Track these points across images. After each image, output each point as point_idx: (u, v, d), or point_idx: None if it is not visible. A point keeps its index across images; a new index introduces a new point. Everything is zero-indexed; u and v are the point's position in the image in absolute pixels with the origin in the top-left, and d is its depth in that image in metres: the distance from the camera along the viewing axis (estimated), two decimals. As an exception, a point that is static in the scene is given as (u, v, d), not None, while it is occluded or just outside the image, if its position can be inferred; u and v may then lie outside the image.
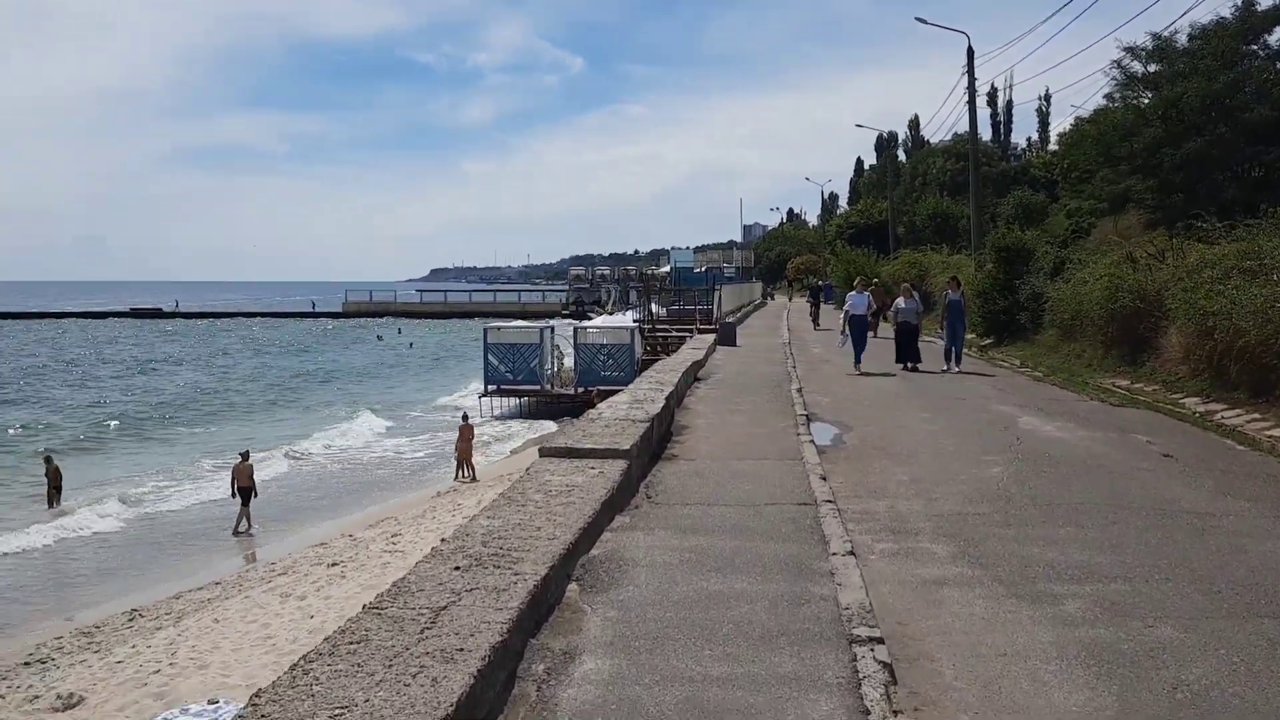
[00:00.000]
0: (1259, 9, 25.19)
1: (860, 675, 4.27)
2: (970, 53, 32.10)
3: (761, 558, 6.02)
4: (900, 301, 20.02)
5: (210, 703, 9.32)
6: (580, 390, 35.01)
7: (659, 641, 4.65)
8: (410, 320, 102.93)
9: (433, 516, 17.66)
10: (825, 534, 6.61)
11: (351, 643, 4.12)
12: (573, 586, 5.47)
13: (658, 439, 10.22)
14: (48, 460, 23.27)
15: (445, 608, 4.54)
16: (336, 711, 3.48)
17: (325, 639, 4.17)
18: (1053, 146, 62.70)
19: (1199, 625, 5.10)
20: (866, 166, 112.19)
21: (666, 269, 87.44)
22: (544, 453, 8.23)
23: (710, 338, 26.39)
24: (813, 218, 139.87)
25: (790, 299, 70.18)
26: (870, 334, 20.50)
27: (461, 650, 4.04)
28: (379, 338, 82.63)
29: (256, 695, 3.63)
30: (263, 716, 3.47)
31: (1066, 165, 42.67)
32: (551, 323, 43.86)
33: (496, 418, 35.64)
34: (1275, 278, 13.92)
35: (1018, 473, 9.15)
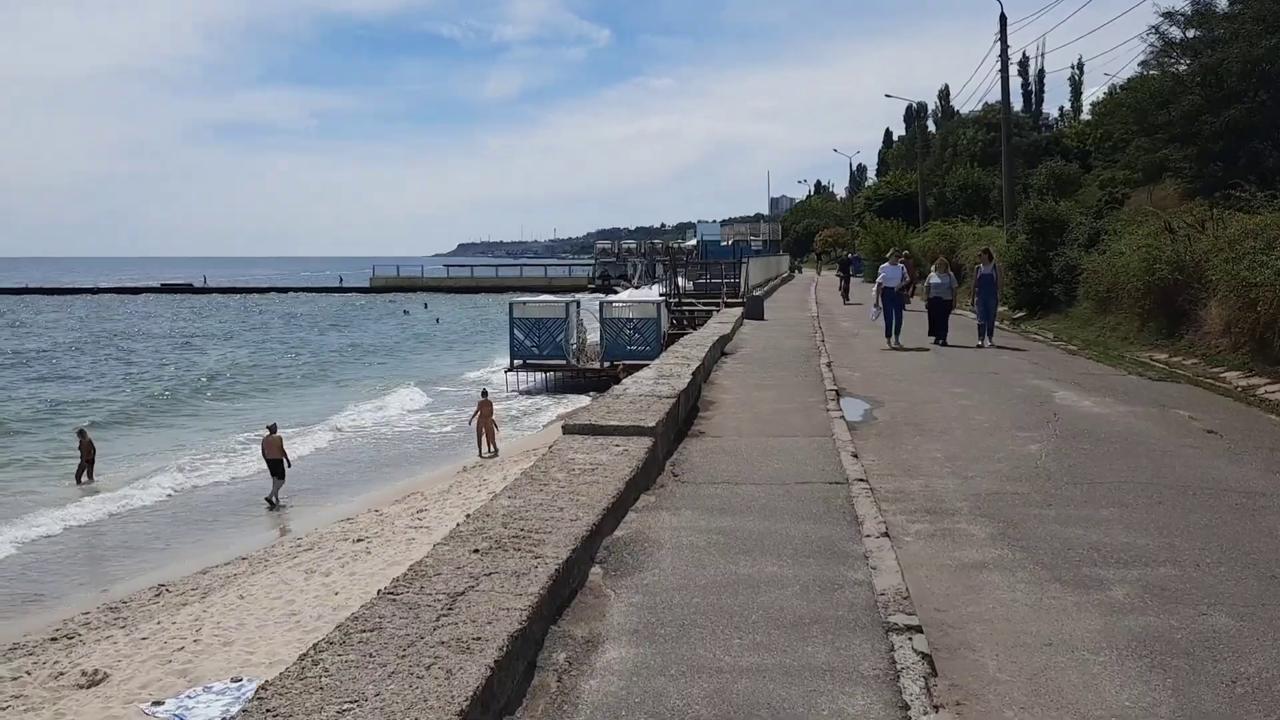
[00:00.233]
0: (1304, -30, 24.45)
1: (898, 667, 4.05)
2: (1003, 20, 31.45)
3: (792, 539, 5.80)
4: (934, 275, 19.60)
5: (233, 681, 9.25)
6: (606, 365, 34.86)
7: (685, 629, 4.45)
8: (437, 295, 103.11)
9: (458, 492, 17.56)
10: (858, 514, 6.38)
11: (364, 631, 3.94)
12: (596, 570, 5.28)
13: (684, 415, 10.01)
14: (81, 434, 23.41)
15: (463, 593, 4.36)
16: (345, 706, 3.30)
17: (337, 626, 4.00)
18: (1086, 116, 61.70)
19: (1256, 613, 4.84)
20: (895, 138, 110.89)
21: (693, 242, 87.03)
22: (567, 430, 8.03)
23: (737, 312, 26.10)
24: (841, 190, 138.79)
25: (819, 272, 69.60)
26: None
27: (478, 639, 3.85)
28: (405, 312, 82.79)
29: (263, 688, 3.46)
30: (269, 711, 3.30)
31: (1100, 135, 41.90)
32: (577, 297, 43.63)
33: (522, 392, 35.54)
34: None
35: (1056, 449, 8.87)
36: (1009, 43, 31.51)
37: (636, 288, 76.14)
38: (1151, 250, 18.57)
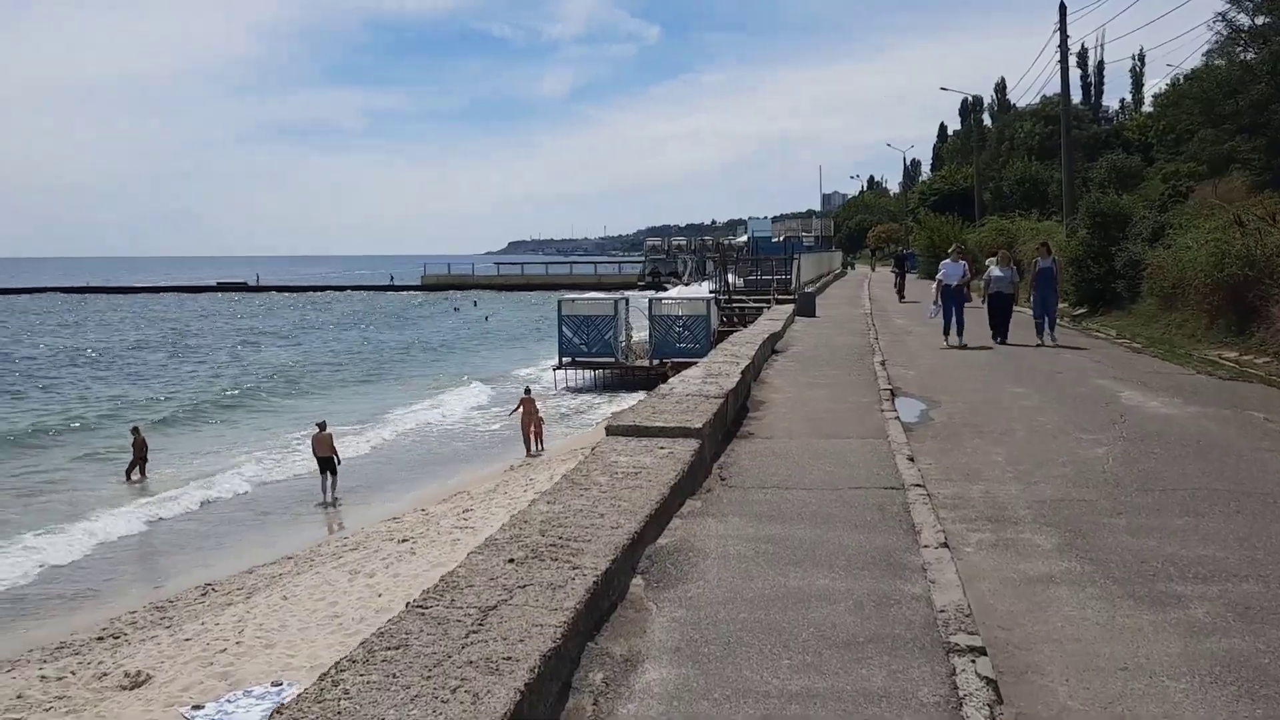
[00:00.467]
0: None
1: (960, 693, 3.74)
2: (1063, 9, 30.67)
3: (845, 549, 5.49)
4: (995, 270, 19.01)
5: (274, 685, 9.14)
6: (655, 362, 34.61)
7: (731, 647, 4.18)
8: (487, 293, 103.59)
9: (504, 492, 17.41)
10: (915, 523, 6.06)
11: (389, 648, 3.72)
12: (637, 580, 5.02)
13: (732, 415, 9.72)
14: (134, 431, 23.65)
15: (495, 607, 4.12)
16: (363, 734, 3.09)
17: (362, 643, 3.78)
18: (1147, 108, 60.27)
19: (1352, 636, 4.45)
20: (950, 132, 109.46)
21: (744, 239, 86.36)
22: (611, 431, 7.78)
23: (788, 308, 25.71)
24: (894, 185, 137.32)
25: (873, 268, 68.72)
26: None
27: (509, 659, 3.61)
28: (456, 309, 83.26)
29: (278, 711, 3.25)
30: (283, 737, 3.10)
31: (1163, 127, 40.84)
32: (626, 294, 43.43)
33: (570, 390, 35.42)
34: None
35: (1124, 453, 8.44)
36: (1068, 33, 30.75)
37: (686, 285, 75.82)
38: (1220, 244, 17.91)
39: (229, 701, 8.77)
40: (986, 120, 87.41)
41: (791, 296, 32.69)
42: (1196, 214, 22.75)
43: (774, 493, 6.83)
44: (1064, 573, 5.37)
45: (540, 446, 24.64)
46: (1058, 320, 19.41)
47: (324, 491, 20.82)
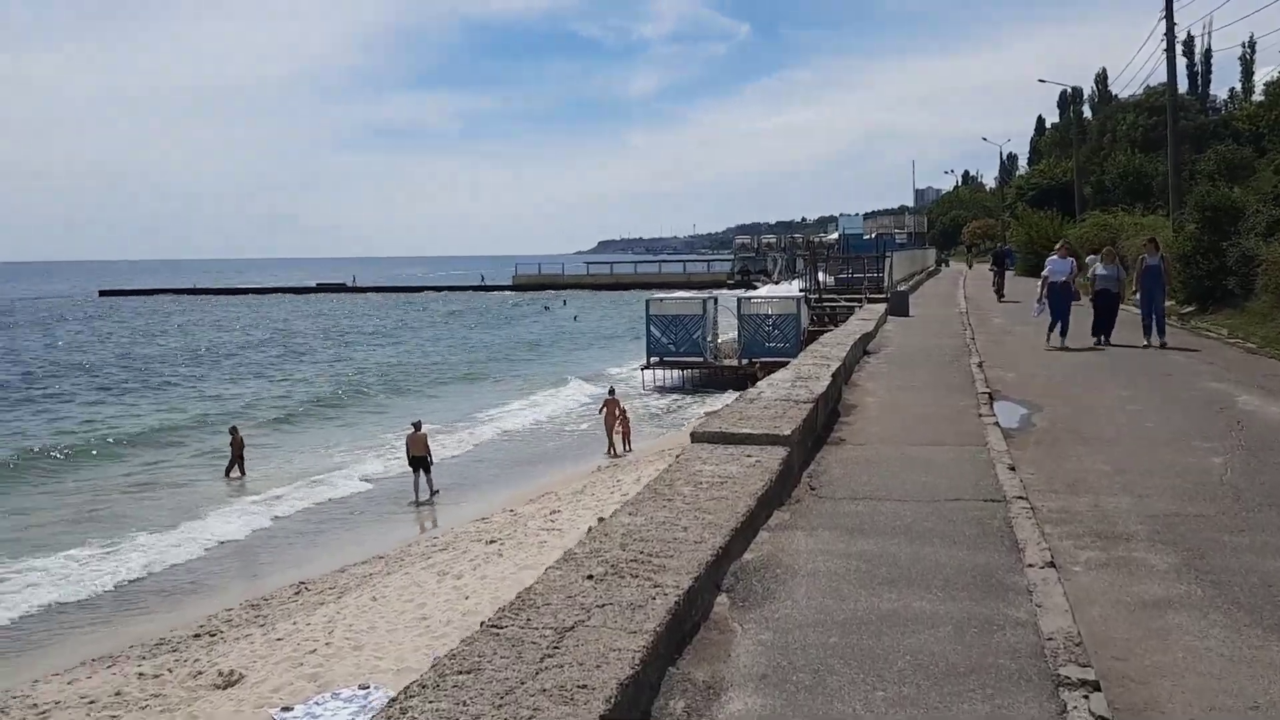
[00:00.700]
0: None
1: (1073, 734, 3.44)
2: (1170, -5, 29.41)
3: (943, 568, 5.19)
4: (1099, 267, 18.21)
5: (361, 688, 9.15)
6: (744, 362, 34.28)
7: (821, 676, 3.93)
8: (577, 292, 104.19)
9: (591, 493, 17.34)
10: (1018, 539, 5.71)
11: (460, 672, 3.56)
12: (722, 599, 4.80)
13: (822, 420, 9.42)
14: (233, 431, 24.25)
15: (572, 628, 3.95)
16: (429, 768, 2.93)
17: (432, 666, 3.64)
18: (1258, 97, 57.63)
19: None
20: (1048, 125, 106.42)
21: (834, 236, 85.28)
22: (696, 438, 7.56)
23: (881, 308, 25.13)
24: (990, 180, 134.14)
25: (969, 265, 67.10)
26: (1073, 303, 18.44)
27: (584, 687, 3.43)
28: (546, 308, 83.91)
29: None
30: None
31: (1275, 116, 38.90)
32: (715, 293, 43.11)
33: (658, 390, 35.28)
34: None
35: (1244, 464, 7.92)
36: (1175, 21, 29.50)
37: (776, 283, 75.15)
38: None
39: (317, 704, 8.80)
40: (1087, 112, 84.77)
41: (884, 295, 32.00)
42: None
43: (866, 504, 6.53)
44: (1183, 596, 4.99)
45: (628, 447, 24.56)
46: (1166, 320, 18.55)
47: (416, 490, 21.07)
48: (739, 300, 37.27)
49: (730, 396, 24.83)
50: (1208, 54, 71.10)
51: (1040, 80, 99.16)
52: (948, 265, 75.60)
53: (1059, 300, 17.56)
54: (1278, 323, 18.93)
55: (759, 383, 10.47)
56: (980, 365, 14.18)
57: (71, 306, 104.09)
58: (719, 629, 4.45)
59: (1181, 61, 63.66)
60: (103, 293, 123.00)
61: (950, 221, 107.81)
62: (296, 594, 13.61)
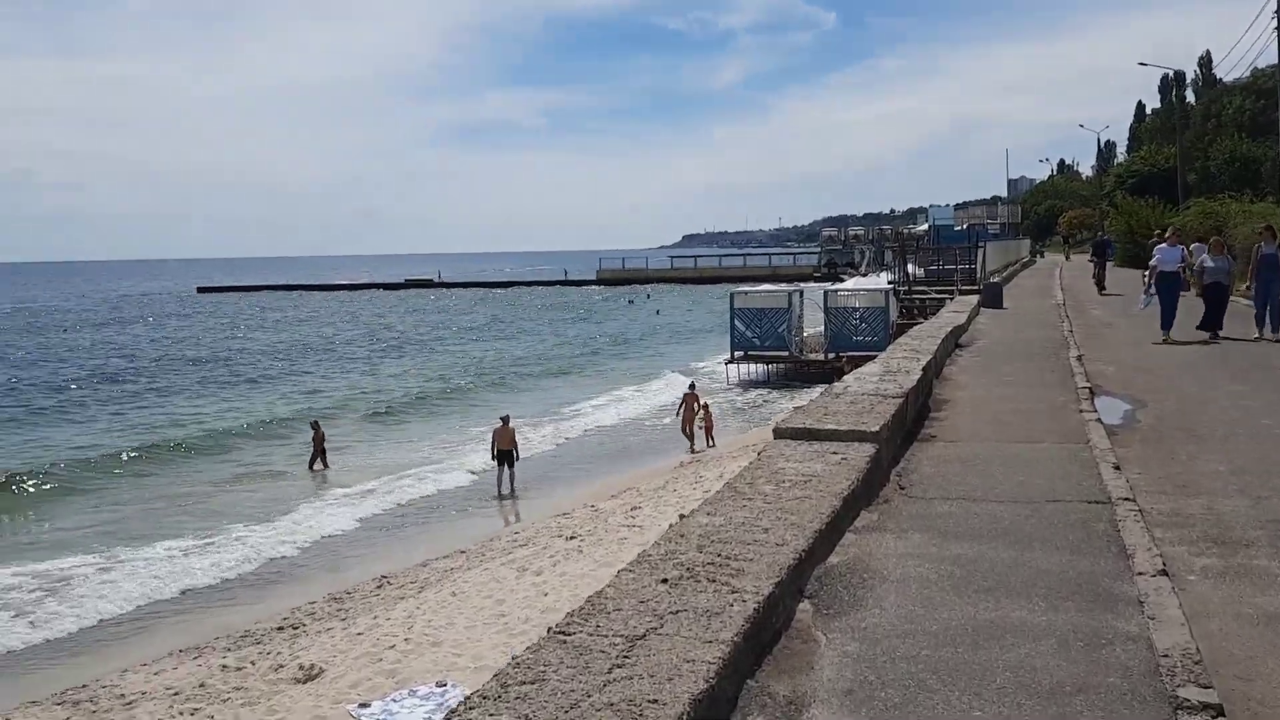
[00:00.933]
0: None
1: (1197, 767, 3.10)
2: (1282, -31, 27.98)
3: (1044, 575, 4.83)
4: (1207, 258, 17.32)
5: (438, 685, 9.07)
6: (830, 356, 33.71)
7: (912, 692, 3.64)
8: (661, 286, 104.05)
9: (673, 489, 17.11)
10: (1126, 544, 5.31)
11: (524, 683, 3.36)
12: (804, 606, 4.52)
13: (912, 416, 9.04)
14: (314, 425, 24.61)
15: (643, 636, 3.72)
16: (485, 789, 2.73)
17: (495, 676, 3.43)
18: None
19: None
20: (1149, 110, 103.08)
21: (924, 227, 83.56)
22: (779, 434, 7.27)
23: (973, 299, 24.39)
24: (1086, 168, 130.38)
25: (1066, 256, 65.13)
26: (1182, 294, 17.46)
27: (654, 702, 3.19)
28: (630, 302, 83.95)
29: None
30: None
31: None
32: (800, 286, 42.52)
33: (743, 384, 34.90)
34: None
35: (1374, 464, 7.34)
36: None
37: (864, 275, 73.93)
38: None
39: (394, 701, 8.74)
40: (1190, 97, 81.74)
41: (976, 287, 31.07)
42: None
43: (960, 505, 6.17)
44: (1314, 610, 4.56)
45: (711, 442, 24.29)
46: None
47: (499, 484, 21.11)
48: (825, 293, 36.67)
49: (815, 391, 24.40)
50: (1321, 33, 67.88)
51: (1141, 64, 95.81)
52: (1042, 256, 73.57)
53: (1169, 291, 16.73)
54: (1402, 313, 17.79)
55: (846, 376, 10.13)
56: (1079, 358, 13.58)
57: (172, 303, 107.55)
58: (801, 638, 4.18)
59: (1292, 41, 60.85)
60: (201, 289, 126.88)
61: (1045, 211, 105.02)
62: (378, 588, 13.66)
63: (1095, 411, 9.57)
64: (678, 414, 24.93)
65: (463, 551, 15.22)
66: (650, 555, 4.68)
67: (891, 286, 37.67)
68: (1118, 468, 7.16)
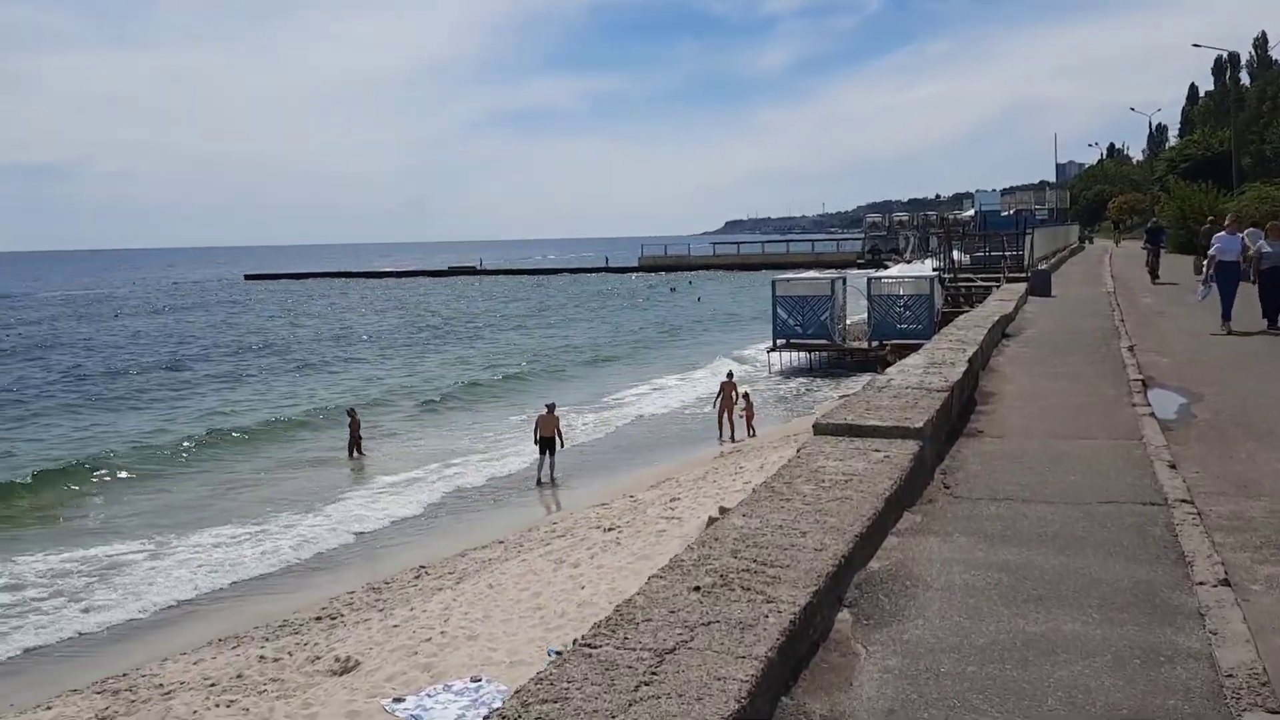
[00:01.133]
0: None
1: (1268, 803, 2.87)
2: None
3: (1097, 584, 4.60)
4: (1264, 244, 16.75)
5: (473, 680, 8.97)
6: (874, 344, 33.30)
7: (957, 713, 3.43)
8: (703, 273, 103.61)
9: (713, 480, 16.91)
10: (1184, 550, 5.05)
11: (545, 701, 3.20)
12: (844, 615, 4.33)
13: (958, 410, 8.77)
14: (350, 412, 24.73)
15: (672, 650, 3.54)
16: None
17: (516, 694, 3.28)
18: None
19: None
20: (1202, 93, 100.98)
21: (970, 213, 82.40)
22: (819, 430, 7.05)
23: (1020, 287, 23.91)
24: (1137, 153, 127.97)
25: (1116, 242, 63.90)
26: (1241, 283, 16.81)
27: (682, 725, 3.03)
28: (672, 290, 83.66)
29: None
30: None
31: None
32: (844, 273, 42.04)
33: (785, 373, 34.58)
34: None
35: None
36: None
37: (909, 262, 73.09)
38: None
39: (429, 695, 8.66)
40: (1244, 79, 79.80)
41: (1024, 274, 30.47)
42: None
43: (1007, 506, 5.93)
44: (1389, 625, 4.28)
45: (751, 432, 24.06)
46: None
47: (539, 471, 21.07)
48: (869, 280, 36.19)
49: (859, 380, 24.15)
50: (1384, 11, 65.96)
51: (1195, 45, 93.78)
52: (1091, 242, 72.29)
53: (1228, 280, 16.19)
54: None
55: (889, 369, 9.88)
56: (1131, 349, 13.19)
57: (221, 290, 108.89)
58: (840, 651, 3.98)
59: (1355, 20, 59.16)
60: (248, 276, 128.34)
61: (1094, 196, 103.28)
62: (416, 578, 13.62)
63: (1149, 405, 9.25)
64: (715, 403, 24.71)
65: (501, 542, 15.13)
66: (683, 560, 4.51)
67: (936, 274, 37.09)
68: (1173, 466, 6.87)
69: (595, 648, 3.59)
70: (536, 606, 10.90)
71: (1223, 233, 17.29)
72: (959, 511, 5.86)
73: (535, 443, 21.30)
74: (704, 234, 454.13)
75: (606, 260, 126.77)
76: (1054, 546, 5.14)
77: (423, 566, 14.29)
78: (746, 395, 25.28)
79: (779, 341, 35.14)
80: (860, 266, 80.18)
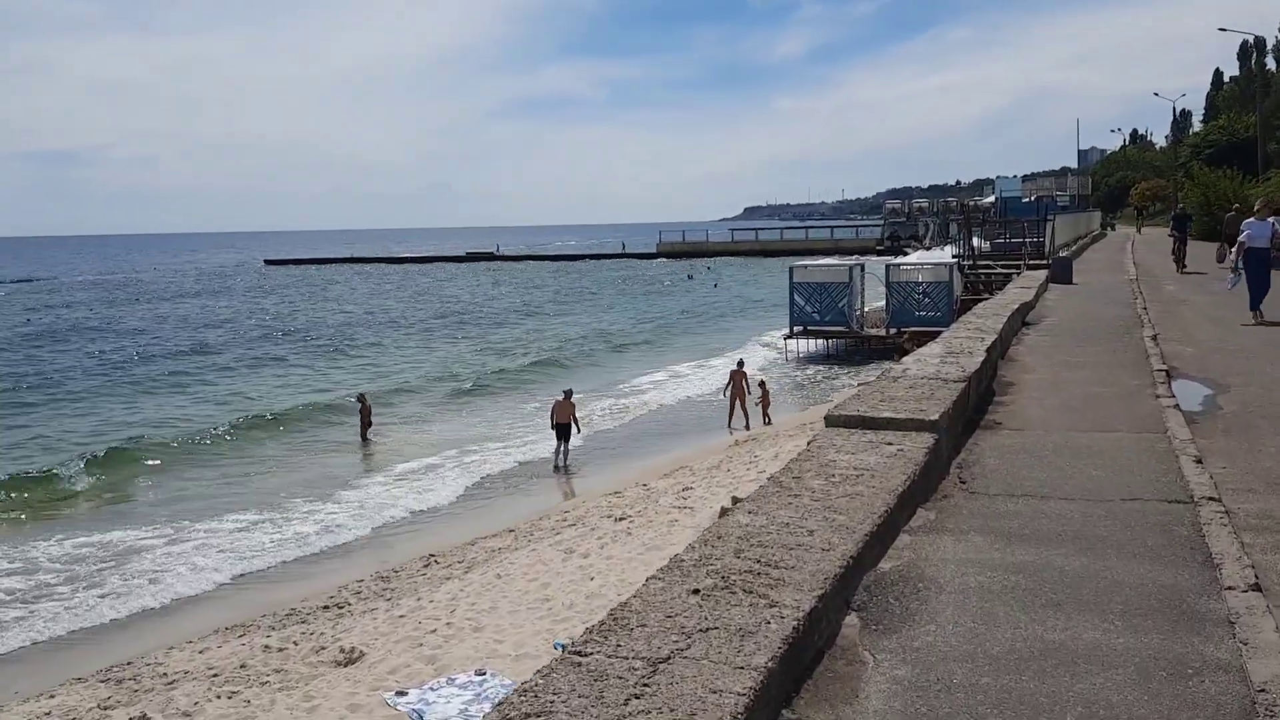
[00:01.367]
0: None
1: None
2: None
3: (1120, 588, 4.37)
4: (1287, 230, 16.37)
5: (477, 674, 8.81)
6: (892, 332, 33.01)
7: (969, 729, 3.22)
8: (721, 259, 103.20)
9: (727, 469, 16.70)
10: (1212, 551, 4.81)
11: (528, 715, 3.00)
12: (851, 620, 4.12)
13: (975, 401, 8.53)
14: (360, 398, 24.70)
15: (667, 659, 3.34)
16: None
17: (498, 706, 3.08)
18: None
19: None
20: (1226, 79, 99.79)
21: (990, 199, 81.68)
22: (830, 421, 6.82)
23: (1041, 274, 23.54)
24: (1160, 139, 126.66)
25: (1138, 229, 63.16)
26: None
27: (672, 743, 2.83)
28: (689, 277, 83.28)
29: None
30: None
31: None
32: (862, 260, 41.67)
33: (802, 360, 34.32)
34: None
35: None
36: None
37: (928, 249, 72.56)
38: None
39: (431, 689, 8.50)
40: (1270, 63, 78.63)
41: (1044, 261, 30.06)
42: None
43: (1026, 503, 5.70)
44: None
45: (768, 420, 23.85)
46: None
47: (556, 456, 20.99)
48: (887, 267, 35.84)
49: (878, 368, 23.86)
50: None
51: (1220, 29, 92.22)
52: (1113, 229, 71.53)
53: (1258, 267, 15.81)
54: None
55: (904, 359, 9.63)
56: (1155, 338, 12.88)
57: (242, 275, 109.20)
58: (846, 658, 3.77)
59: (1386, 3, 58.13)
60: (268, 262, 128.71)
61: (1117, 183, 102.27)
62: (425, 566, 13.48)
63: (1173, 397, 8.98)
64: (724, 391, 24.49)
65: (511, 530, 14.98)
66: (683, 560, 4.31)
67: (956, 260, 36.70)
68: (1199, 461, 6.62)
69: (585, 655, 3.39)
70: (544, 598, 10.73)
71: (1252, 219, 16.91)
72: (975, 508, 5.63)
73: (551, 428, 21.26)
74: (723, 220, 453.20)
75: (623, 246, 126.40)
76: (1074, 547, 4.91)
77: (432, 555, 14.15)
78: (763, 384, 25.06)
79: (796, 328, 34.86)
80: (879, 253, 79.69)
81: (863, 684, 3.56)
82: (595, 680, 3.19)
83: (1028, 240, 39.44)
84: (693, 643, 3.45)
